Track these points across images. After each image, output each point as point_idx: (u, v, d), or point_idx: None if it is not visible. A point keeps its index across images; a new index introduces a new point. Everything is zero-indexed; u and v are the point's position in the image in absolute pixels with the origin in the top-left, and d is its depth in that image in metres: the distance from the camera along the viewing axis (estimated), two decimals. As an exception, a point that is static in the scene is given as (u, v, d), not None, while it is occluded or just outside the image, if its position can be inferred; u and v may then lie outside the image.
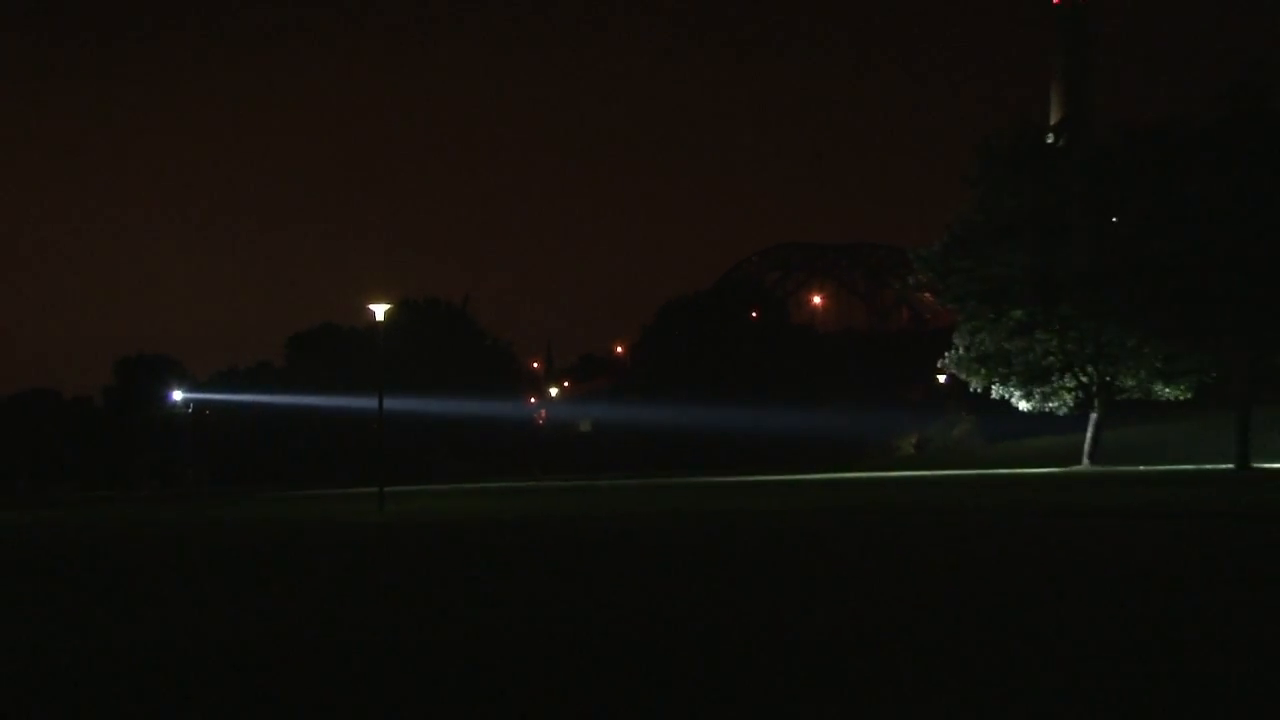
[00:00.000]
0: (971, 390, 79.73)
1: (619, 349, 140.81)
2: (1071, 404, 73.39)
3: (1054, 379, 72.80)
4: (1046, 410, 74.94)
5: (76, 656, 10.89)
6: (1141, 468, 62.85)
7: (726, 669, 9.22)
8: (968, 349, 75.16)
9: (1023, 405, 75.05)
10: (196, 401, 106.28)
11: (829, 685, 8.49)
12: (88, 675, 9.73)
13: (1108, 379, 70.95)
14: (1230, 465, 59.68)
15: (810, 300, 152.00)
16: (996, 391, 75.04)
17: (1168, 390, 68.84)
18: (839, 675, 8.80)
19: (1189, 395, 70.23)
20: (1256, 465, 58.89)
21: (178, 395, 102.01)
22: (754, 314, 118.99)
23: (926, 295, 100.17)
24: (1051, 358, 71.89)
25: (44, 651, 11.24)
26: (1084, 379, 72.11)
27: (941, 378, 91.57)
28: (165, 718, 8.41)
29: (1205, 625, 10.52)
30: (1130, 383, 70.12)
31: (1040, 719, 7.44)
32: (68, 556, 25.88)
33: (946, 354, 76.18)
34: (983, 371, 74.67)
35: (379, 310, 50.46)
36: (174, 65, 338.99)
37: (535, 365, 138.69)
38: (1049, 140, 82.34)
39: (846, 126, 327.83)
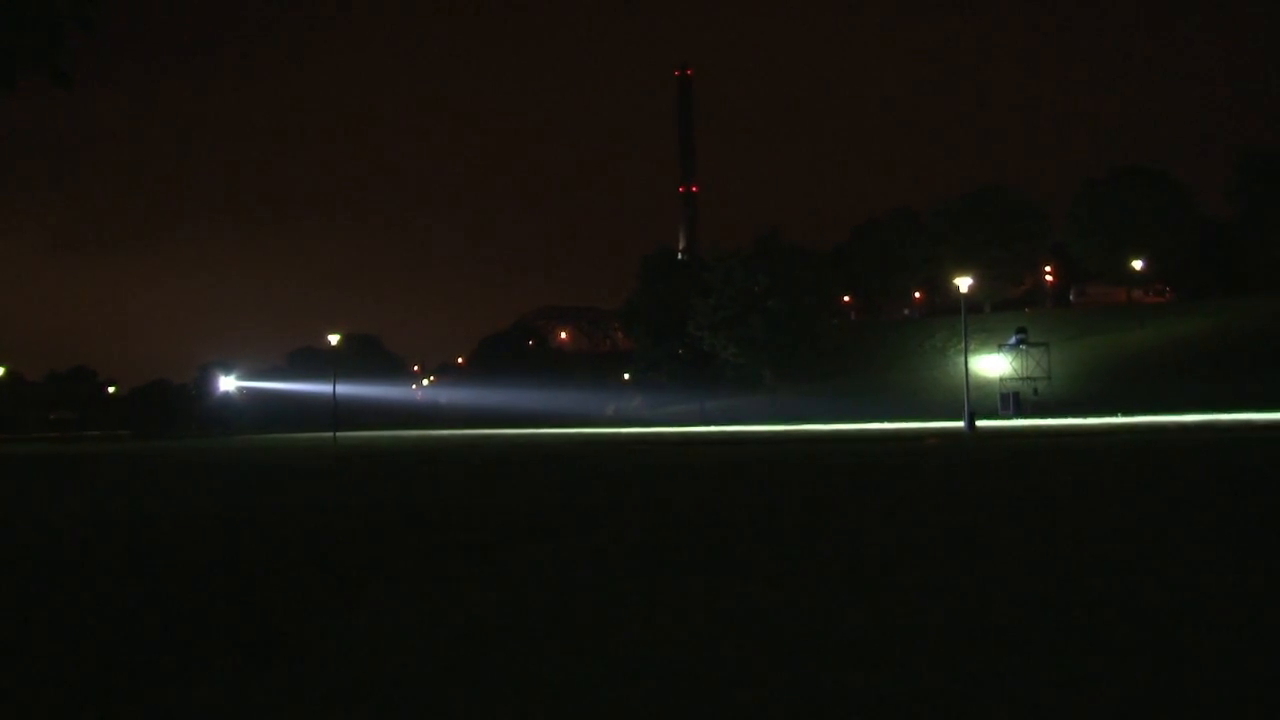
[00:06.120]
0: (641, 381, 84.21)
1: (460, 359, 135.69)
2: (692, 387, 76.25)
3: (683, 376, 75.98)
4: (681, 391, 77.90)
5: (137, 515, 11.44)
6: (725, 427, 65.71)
7: (507, 524, 9.18)
8: (641, 361, 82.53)
9: (668, 387, 78.88)
10: (241, 387, 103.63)
11: (546, 535, 8.40)
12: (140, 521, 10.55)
13: (713, 376, 73.11)
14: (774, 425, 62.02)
15: (559, 336, 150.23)
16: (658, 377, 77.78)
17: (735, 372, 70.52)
18: (556, 528, 8.78)
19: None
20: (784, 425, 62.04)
21: (227, 383, 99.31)
22: (530, 343, 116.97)
23: (620, 334, 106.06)
24: (685, 364, 75.43)
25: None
26: (699, 375, 74.61)
27: (626, 375, 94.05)
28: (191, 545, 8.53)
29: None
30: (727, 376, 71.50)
31: (648, 536, 8.07)
32: (171, 463, 28.92)
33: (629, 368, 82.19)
34: (649, 373, 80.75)
35: (334, 338, 53.82)
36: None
37: (416, 368, 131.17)
38: (679, 257, 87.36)
39: (580, 241, 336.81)
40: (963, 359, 40.20)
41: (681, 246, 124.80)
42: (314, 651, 4.81)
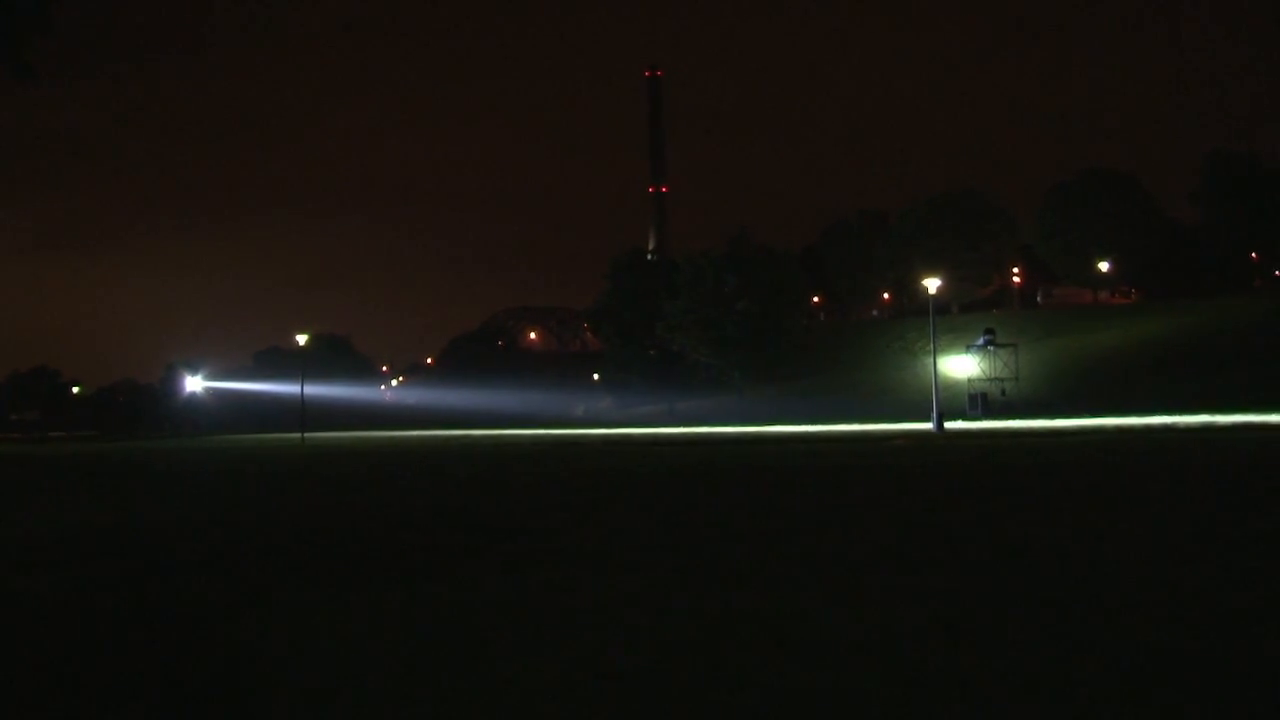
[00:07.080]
0: (610, 382, 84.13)
1: (429, 360, 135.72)
2: (662, 388, 76.63)
3: (653, 376, 76.89)
4: (650, 391, 78.03)
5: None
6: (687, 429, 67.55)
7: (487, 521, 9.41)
8: (610, 361, 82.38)
9: (638, 388, 78.96)
10: (208, 387, 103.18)
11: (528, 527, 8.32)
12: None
13: (682, 376, 74.13)
14: (742, 426, 65.06)
15: (528, 336, 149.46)
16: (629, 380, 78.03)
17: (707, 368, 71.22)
18: (530, 531, 8.27)
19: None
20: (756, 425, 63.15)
21: (193, 383, 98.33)
22: (500, 343, 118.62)
23: (590, 334, 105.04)
24: (655, 365, 76.69)
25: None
26: (669, 376, 75.56)
27: (596, 376, 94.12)
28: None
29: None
30: (695, 378, 72.53)
31: (625, 539, 7.72)
32: (146, 462, 28.30)
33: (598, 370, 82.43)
34: (619, 373, 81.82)
35: (302, 339, 53.23)
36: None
37: (385, 369, 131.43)
38: (649, 257, 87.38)
39: (550, 241, 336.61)
40: (931, 360, 40.00)
41: (651, 247, 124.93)
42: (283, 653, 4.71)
